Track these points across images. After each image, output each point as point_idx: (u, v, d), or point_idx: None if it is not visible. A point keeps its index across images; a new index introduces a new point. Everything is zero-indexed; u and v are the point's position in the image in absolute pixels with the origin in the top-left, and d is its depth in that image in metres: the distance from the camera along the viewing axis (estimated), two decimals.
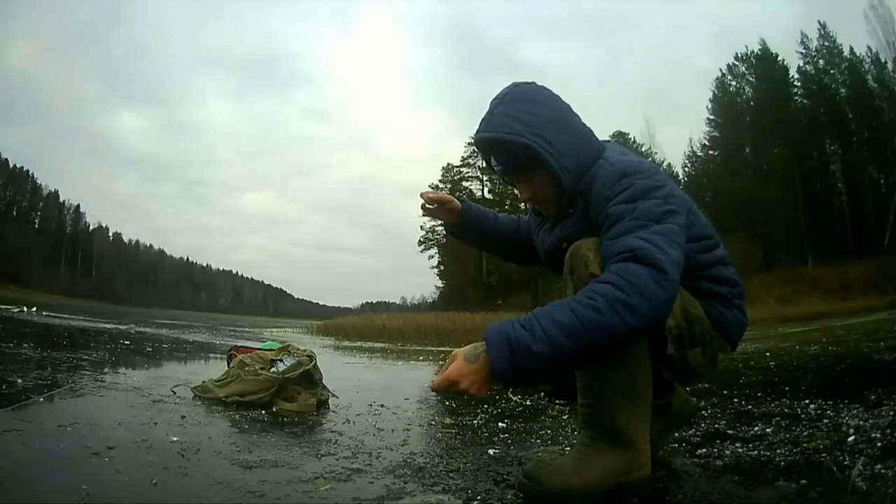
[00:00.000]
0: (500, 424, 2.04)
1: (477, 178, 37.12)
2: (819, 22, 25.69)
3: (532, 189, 1.24)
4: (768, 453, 1.40)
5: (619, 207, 1.08)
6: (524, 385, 0.98)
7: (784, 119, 24.89)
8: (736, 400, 2.31)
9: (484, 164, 1.38)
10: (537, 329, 0.93)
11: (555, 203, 1.24)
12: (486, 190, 36.27)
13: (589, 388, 1.14)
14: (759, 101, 27.02)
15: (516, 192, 1.30)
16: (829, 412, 1.82)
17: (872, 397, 1.93)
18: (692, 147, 30.06)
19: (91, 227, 70.05)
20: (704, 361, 1.19)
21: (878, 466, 1.16)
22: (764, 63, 27.51)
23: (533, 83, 1.25)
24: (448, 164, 38.67)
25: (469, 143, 36.91)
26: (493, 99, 1.22)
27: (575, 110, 1.26)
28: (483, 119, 1.21)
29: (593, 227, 1.15)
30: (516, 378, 0.94)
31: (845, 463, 1.22)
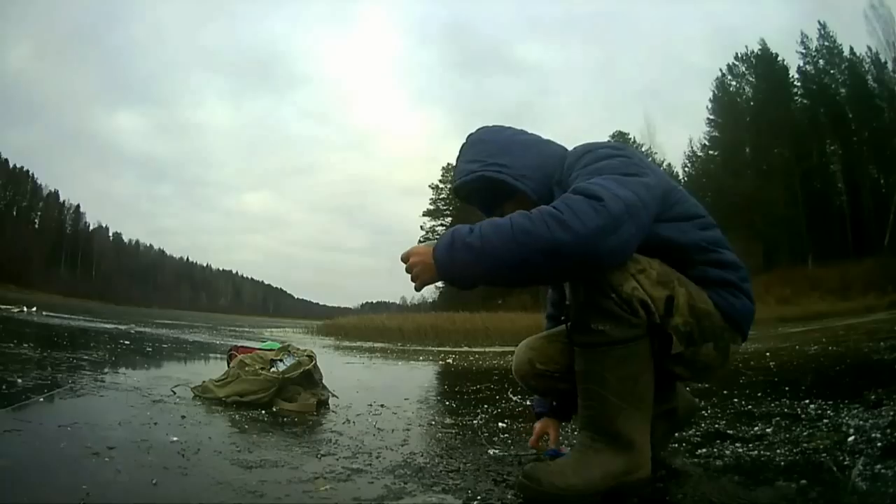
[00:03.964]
0: (500, 424, 2.04)
1: None
2: (819, 22, 25.72)
3: None
4: (768, 453, 1.40)
5: (577, 172, 1.13)
6: (463, 280, 1.03)
7: (784, 119, 24.86)
8: (736, 400, 2.31)
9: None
10: (476, 227, 1.02)
11: None
12: None
13: (588, 391, 1.13)
14: (759, 101, 26.99)
15: None
16: (829, 412, 1.82)
17: (872, 397, 1.93)
18: (692, 147, 30.06)
19: (91, 227, 70.13)
20: (717, 356, 1.18)
21: (878, 466, 1.16)
22: (764, 63, 27.48)
23: (485, 126, 1.35)
24: (448, 163, 38.65)
25: None
26: (457, 153, 1.34)
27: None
28: (452, 174, 1.35)
29: None
30: (452, 266, 1.02)
31: (845, 463, 1.22)
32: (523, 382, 1.43)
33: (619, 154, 1.14)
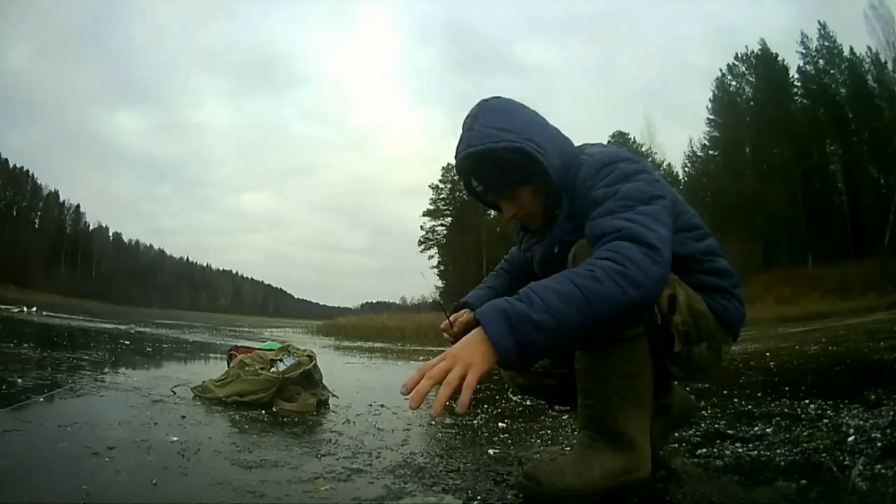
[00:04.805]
0: (500, 424, 2.04)
1: None
2: (819, 22, 25.75)
3: (517, 205, 1.23)
4: (768, 453, 1.40)
5: (602, 191, 1.08)
6: (527, 363, 0.92)
7: (784, 119, 24.88)
8: (736, 400, 2.31)
9: (463, 190, 1.30)
10: (535, 299, 0.88)
11: (541, 215, 1.25)
12: None
13: (588, 390, 1.13)
14: (759, 101, 27.00)
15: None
16: (829, 412, 1.82)
17: (872, 397, 1.93)
18: (692, 147, 30.06)
19: (91, 227, 70.13)
20: (710, 355, 1.19)
21: (878, 466, 1.16)
22: (764, 63, 27.49)
23: (501, 97, 1.24)
24: (448, 164, 38.62)
25: None
26: (466, 118, 1.21)
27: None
28: (462, 138, 1.18)
29: (580, 220, 1.13)
30: (520, 355, 0.86)
31: (845, 463, 1.22)
32: (511, 381, 1.43)
33: (640, 170, 1.11)
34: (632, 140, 29.74)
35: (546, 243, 1.25)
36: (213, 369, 3.10)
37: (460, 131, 1.22)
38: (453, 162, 1.25)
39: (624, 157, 1.14)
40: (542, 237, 1.27)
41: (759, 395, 2.38)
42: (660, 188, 1.09)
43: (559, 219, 1.20)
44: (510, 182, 1.20)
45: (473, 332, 0.89)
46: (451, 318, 1.36)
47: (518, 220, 1.31)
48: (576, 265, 1.07)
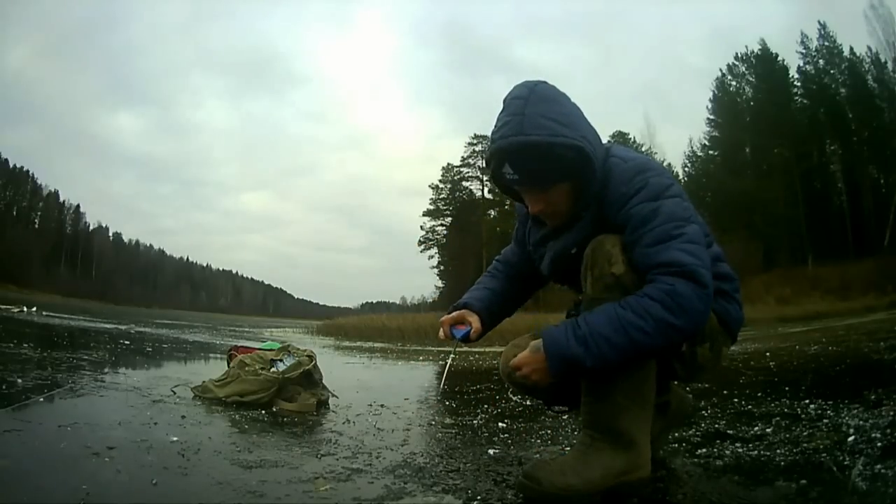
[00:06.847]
0: (500, 424, 2.04)
1: (477, 178, 37.11)
2: (819, 22, 25.72)
3: (546, 201, 1.17)
4: (768, 453, 1.40)
5: (642, 207, 1.08)
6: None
7: (784, 119, 24.87)
8: (736, 400, 2.31)
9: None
10: (592, 347, 1.02)
11: (566, 215, 1.20)
12: (486, 190, 36.25)
13: (594, 388, 1.13)
14: (759, 101, 27.00)
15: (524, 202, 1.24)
16: (829, 412, 1.82)
17: (872, 397, 1.93)
18: (692, 147, 30.06)
19: (91, 227, 69.96)
20: (711, 357, 1.21)
21: (878, 466, 1.16)
22: (764, 63, 27.48)
23: (547, 82, 1.17)
24: (448, 164, 38.65)
25: (469, 143, 36.94)
26: (513, 99, 1.12)
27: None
28: (509, 122, 1.10)
29: (607, 226, 1.13)
30: (566, 378, 1.09)
31: (845, 463, 1.22)
32: (508, 380, 1.40)
33: (670, 184, 1.11)
34: (632, 140, 29.72)
35: (563, 242, 1.23)
36: (213, 369, 3.10)
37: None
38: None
39: (652, 166, 1.14)
40: (559, 235, 1.24)
41: (759, 395, 2.39)
42: (689, 203, 1.11)
43: (584, 220, 1.18)
44: (550, 177, 1.13)
45: (539, 353, 1.09)
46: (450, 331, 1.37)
47: (539, 216, 1.25)
48: (594, 259, 1.11)
